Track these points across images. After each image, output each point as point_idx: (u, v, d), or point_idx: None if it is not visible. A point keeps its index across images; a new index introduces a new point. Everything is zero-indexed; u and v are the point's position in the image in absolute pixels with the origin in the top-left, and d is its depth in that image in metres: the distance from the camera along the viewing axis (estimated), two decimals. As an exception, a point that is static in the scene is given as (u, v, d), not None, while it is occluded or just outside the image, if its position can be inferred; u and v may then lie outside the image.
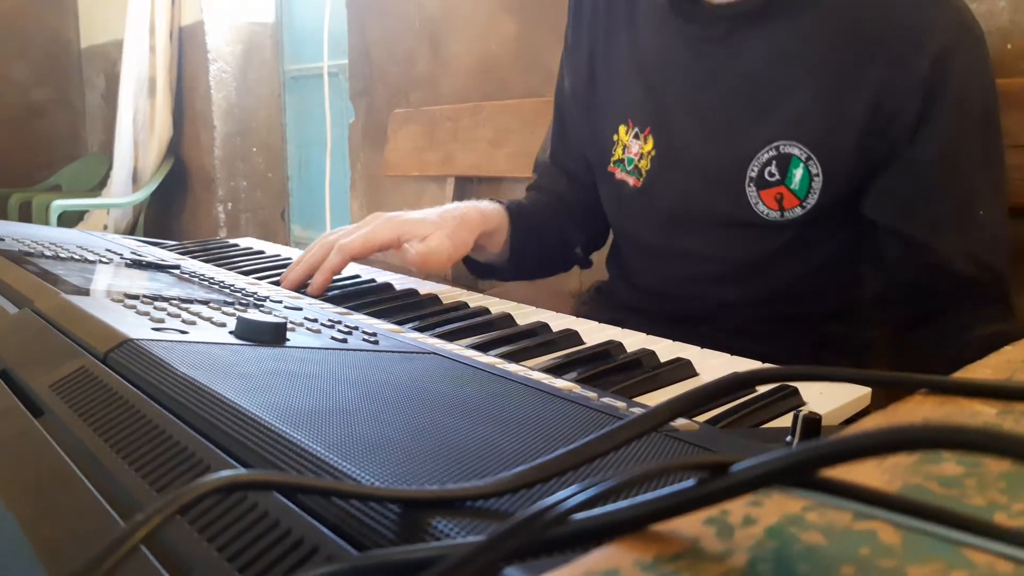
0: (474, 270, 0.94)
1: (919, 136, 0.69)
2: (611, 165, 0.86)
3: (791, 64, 0.73)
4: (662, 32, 0.81)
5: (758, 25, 0.75)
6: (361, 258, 0.76)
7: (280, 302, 0.63)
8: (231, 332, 0.46)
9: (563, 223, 0.93)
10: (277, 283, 0.76)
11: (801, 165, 0.72)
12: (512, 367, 0.48)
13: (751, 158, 0.74)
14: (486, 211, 0.84)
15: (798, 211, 0.73)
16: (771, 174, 0.73)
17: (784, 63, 0.73)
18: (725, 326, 0.80)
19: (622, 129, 0.84)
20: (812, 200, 0.72)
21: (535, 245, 0.90)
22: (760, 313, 0.80)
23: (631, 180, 0.84)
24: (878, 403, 0.49)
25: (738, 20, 0.75)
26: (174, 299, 0.56)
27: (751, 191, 0.74)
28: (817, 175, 0.71)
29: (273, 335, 0.45)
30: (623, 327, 0.65)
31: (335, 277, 0.77)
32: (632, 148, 0.83)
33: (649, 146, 0.82)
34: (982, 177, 0.72)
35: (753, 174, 0.74)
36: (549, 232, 0.92)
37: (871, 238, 0.75)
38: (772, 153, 0.73)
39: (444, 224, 0.77)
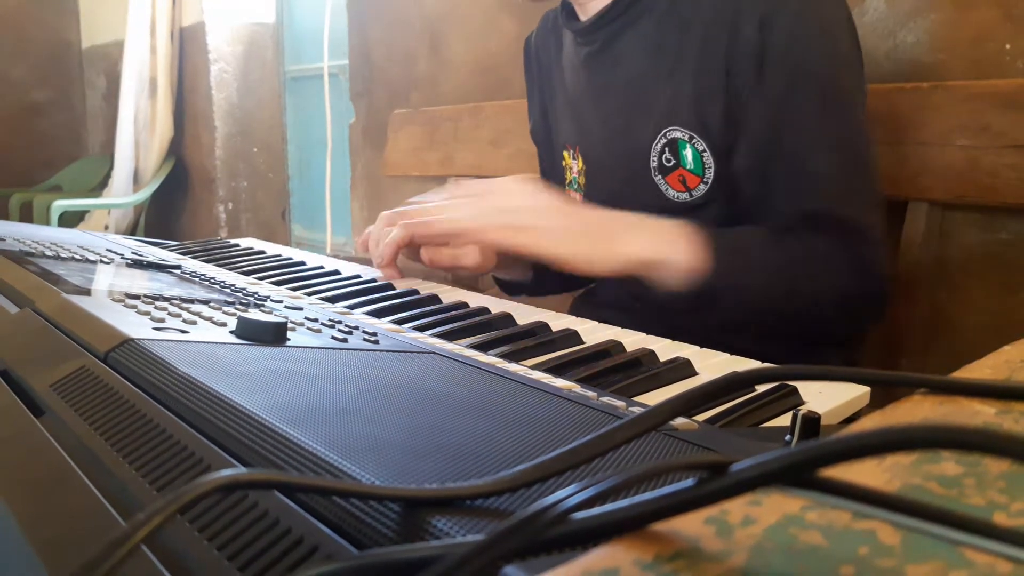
0: (505, 288, 1.02)
1: (752, 101, 0.73)
2: (566, 188, 0.94)
3: (660, 56, 0.79)
4: (573, 61, 0.90)
5: (627, 29, 0.82)
6: (420, 243, 0.80)
7: (280, 302, 0.63)
8: (232, 332, 0.46)
9: None
10: (278, 283, 0.76)
11: (688, 145, 0.77)
12: (512, 366, 0.48)
13: (648, 149, 0.79)
14: None
15: (703, 188, 0.77)
16: (668, 159, 0.78)
17: (655, 57, 0.79)
18: (706, 322, 0.81)
19: (566, 155, 0.93)
20: (710, 175, 0.76)
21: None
22: None
23: (578, 197, 0.91)
24: (877, 402, 0.49)
25: (610, 29, 0.83)
26: (175, 299, 0.56)
27: (659, 179, 0.79)
28: (704, 151, 0.76)
29: (273, 335, 0.45)
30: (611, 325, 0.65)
31: (339, 277, 0.81)
32: (573, 169, 0.92)
33: (581, 163, 0.90)
34: (815, 129, 0.72)
35: (655, 164, 0.79)
36: None
37: None
38: (663, 140, 0.78)
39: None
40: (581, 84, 0.89)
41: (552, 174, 1.01)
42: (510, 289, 1.02)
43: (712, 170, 0.76)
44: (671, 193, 0.79)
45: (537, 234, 0.69)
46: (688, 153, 0.77)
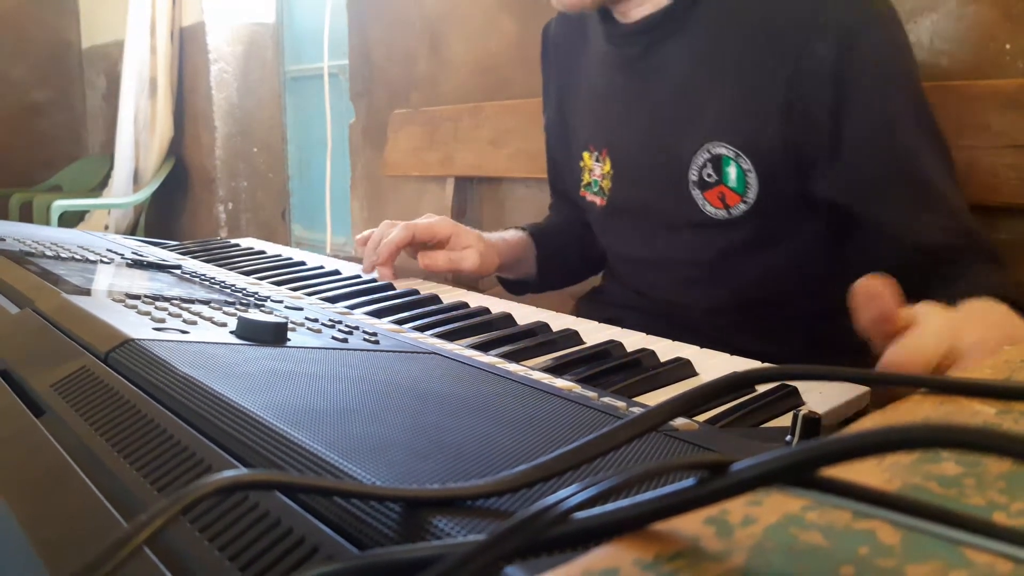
0: (509, 287, 1.02)
1: (846, 121, 0.70)
2: (582, 189, 0.92)
3: (708, 69, 0.76)
4: (604, 61, 0.87)
5: (673, 37, 0.79)
6: (421, 240, 0.86)
7: (281, 302, 0.63)
8: (232, 332, 0.46)
9: (583, 236, 0.98)
10: (278, 283, 0.76)
11: (732, 163, 0.74)
12: (512, 367, 0.48)
13: (688, 162, 0.77)
14: (511, 241, 0.95)
15: (743, 207, 0.75)
16: (709, 175, 0.76)
17: (702, 68, 0.76)
18: (719, 324, 0.80)
19: (586, 156, 0.90)
20: (752, 195, 0.74)
21: (558, 262, 1.01)
22: (750, 311, 0.81)
23: (598, 200, 0.89)
24: (877, 402, 0.49)
25: (654, 35, 0.80)
26: (175, 299, 0.56)
27: (696, 194, 0.77)
28: (749, 170, 0.73)
29: (274, 335, 0.45)
30: (621, 325, 0.65)
31: (339, 277, 0.82)
32: (595, 171, 0.89)
33: (607, 167, 0.87)
34: (923, 147, 0.71)
35: (694, 178, 0.76)
36: (571, 248, 1.01)
37: (847, 229, 0.75)
38: (705, 155, 0.76)
39: (481, 242, 0.89)
40: (614, 86, 0.85)
41: (565, 171, 0.98)
42: (514, 288, 1.02)
43: (755, 190, 0.73)
44: (708, 209, 0.76)
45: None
46: (732, 171, 0.74)
